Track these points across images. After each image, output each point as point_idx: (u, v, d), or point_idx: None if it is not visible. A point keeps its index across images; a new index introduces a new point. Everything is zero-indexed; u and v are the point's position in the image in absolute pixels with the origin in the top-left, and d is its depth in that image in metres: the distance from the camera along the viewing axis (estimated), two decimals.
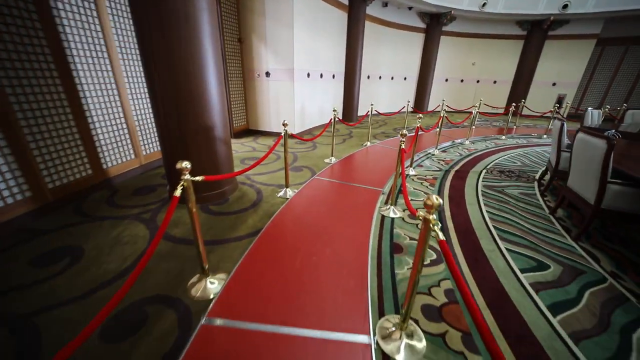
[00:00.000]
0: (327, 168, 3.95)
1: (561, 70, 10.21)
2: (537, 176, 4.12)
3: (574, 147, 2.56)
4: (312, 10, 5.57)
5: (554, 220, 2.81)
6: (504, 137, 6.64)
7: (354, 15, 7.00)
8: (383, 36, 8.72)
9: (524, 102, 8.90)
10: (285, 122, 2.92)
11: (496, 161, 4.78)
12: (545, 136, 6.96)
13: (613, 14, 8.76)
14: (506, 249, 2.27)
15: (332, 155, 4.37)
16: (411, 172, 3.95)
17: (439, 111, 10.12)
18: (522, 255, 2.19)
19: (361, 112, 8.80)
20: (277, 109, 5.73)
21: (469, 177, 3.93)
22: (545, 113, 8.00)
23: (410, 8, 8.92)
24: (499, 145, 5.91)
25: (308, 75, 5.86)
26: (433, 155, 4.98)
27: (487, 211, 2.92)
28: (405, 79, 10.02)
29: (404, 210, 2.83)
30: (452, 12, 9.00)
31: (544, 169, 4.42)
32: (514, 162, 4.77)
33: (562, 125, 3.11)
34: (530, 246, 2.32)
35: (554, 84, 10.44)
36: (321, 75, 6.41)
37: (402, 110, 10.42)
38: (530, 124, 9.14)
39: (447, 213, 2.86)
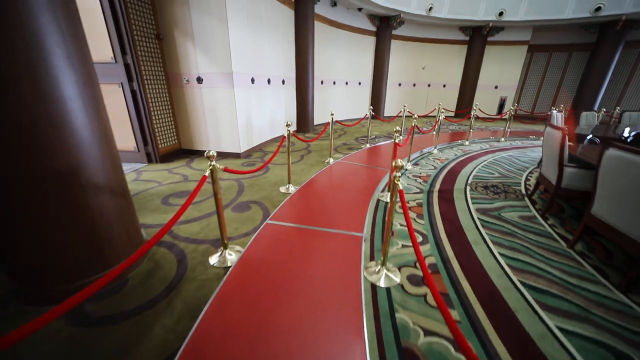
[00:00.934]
0: (285, 202, 2.97)
1: (501, 74, 10.75)
2: (523, 189, 3.69)
3: (605, 166, 1.99)
4: (252, 2, 4.57)
5: (576, 256, 2.24)
6: (467, 142, 6.39)
7: (301, 12, 6.17)
8: (335, 38, 8.07)
9: (477, 106, 9.02)
10: (212, 153, 1.87)
11: (473, 173, 4.30)
12: (502, 139, 6.92)
13: (539, 22, 9.41)
14: (558, 327, 1.55)
15: (289, 182, 3.40)
16: (387, 197, 3.18)
17: (400, 116, 9.85)
18: (586, 340, 1.48)
19: (317, 120, 7.99)
20: (215, 122, 4.57)
21: (456, 199, 3.30)
22: (502, 115, 8.09)
23: (360, 9, 8.44)
24: (466, 153, 5.57)
25: (252, 80, 4.82)
26: (406, 170, 4.33)
27: (499, 253, 2.24)
28: (359, 84, 9.54)
29: (398, 269, 2.00)
30: (401, 15, 8.77)
31: (525, 177, 4.00)
32: (491, 173, 4.34)
33: (564, 136, 2.60)
34: (582, 315, 1.64)
35: (496, 87, 10.95)
36: (269, 81, 5.42)
37: (362, 117, 9.94)
38: (482, 127, 9.31)
39: (455, 263, 2.10)
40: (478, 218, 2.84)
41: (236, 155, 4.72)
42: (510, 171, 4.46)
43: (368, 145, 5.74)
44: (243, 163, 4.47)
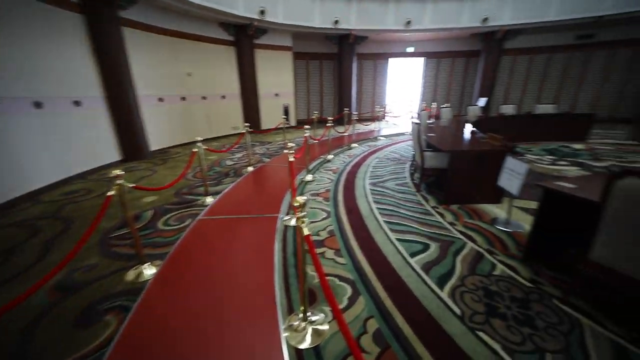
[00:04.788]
0: None
1: (278, 82, 9.89)
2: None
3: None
4: None
5: None
6: (309, 176, 4.32)
7: None
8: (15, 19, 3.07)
9: (285, 119, 7.25)
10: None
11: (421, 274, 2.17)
12: (331, 156, 5.55)
13: (297, 28, 9.15)
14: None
15: None
16: None
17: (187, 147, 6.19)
18: None
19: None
20: None
21: None
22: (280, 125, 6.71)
23: None
24: (329, 207, 3.46)
25: None
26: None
27: None
28: (78, 104, 4.86)
29: None
30: None
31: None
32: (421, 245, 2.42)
33: None
34: None
35: (276, 95, 10.00)
36: None
37: (104, 164, 5.29)
38: (269, 142, 7.81)
39: None
40: None
41: None
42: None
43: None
44: None
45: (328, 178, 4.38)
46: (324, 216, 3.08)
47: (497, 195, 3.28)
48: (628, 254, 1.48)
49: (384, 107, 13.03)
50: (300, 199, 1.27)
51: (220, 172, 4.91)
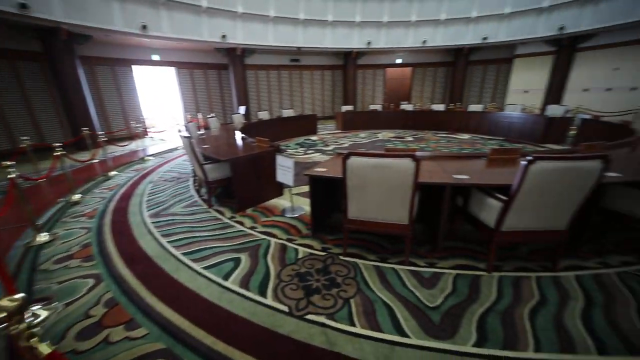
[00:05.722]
0: None
1: None
2: None
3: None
4: None
5: None
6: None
7: None
8: None
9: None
10: None
11: None
12: (77, 195, 3.91)
13: None
14: None
15: None
16: None
17: None
18: None
19: None
20: None
21: None
22: None
23: None
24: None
25: None
26: None
27: None
28: None
29: None
30: None
31: None
32: None
33: None
34: None
35: None
36: None
37: None
38: None
39: None
40: None
41: None
42: None
43: None
44: None
45: (81, 228, 3.07)
46: (91, 285, 2.11)
47: (279, 188, 3.77)
48: (366, 206, 2.15)
49: (143, 122, 11.14)
50: (9, 303, 0.70)
51: None
